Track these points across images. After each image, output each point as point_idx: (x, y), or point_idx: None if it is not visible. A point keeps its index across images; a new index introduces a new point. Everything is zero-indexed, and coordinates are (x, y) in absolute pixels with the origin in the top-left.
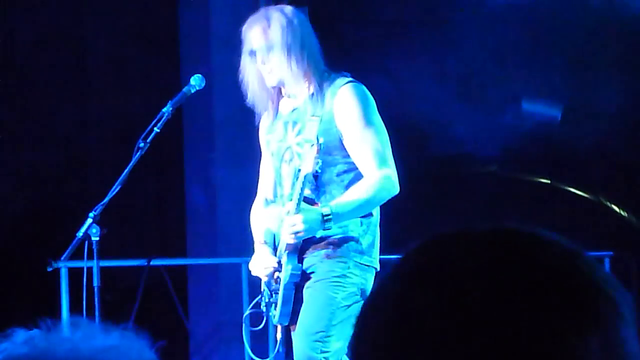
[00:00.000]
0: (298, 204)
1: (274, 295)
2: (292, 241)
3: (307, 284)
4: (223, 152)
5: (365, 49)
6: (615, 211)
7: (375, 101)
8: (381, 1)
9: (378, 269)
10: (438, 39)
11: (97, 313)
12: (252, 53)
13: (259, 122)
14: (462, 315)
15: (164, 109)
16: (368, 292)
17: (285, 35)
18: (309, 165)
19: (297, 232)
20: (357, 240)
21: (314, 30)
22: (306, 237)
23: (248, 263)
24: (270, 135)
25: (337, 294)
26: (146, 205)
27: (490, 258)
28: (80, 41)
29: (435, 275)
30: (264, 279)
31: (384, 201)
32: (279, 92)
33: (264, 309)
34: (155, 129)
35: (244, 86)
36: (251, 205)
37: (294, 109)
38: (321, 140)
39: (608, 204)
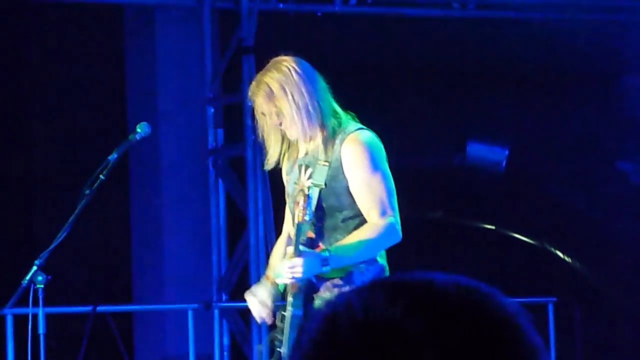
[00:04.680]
0: (295, 249)
1: (281, 333)
2: (289, 282)
3: None
4: (169, 199)
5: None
6: (560, 257)
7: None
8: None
9: None
10: (383, 82)
11: None
12: (264, 114)
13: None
14: None
15: (110, 156)
16: None
17: (291, 98)
18: (300, 214)
19: (295, 275)
20: None
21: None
22: (304, 278)
23: (194, 309)
24: (289, 177)
25: None
26: (92, 252)
27: (409, 308)
28: (26, 86)
29: (360, 321)
30: (256, 317)
31: (386, 247)
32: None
33: (277, 344)
34: (100, 176)
35: (263, 142)
36: (196, 251)
37: (306, 153)
38: (308, 192)
39: (552, 249)
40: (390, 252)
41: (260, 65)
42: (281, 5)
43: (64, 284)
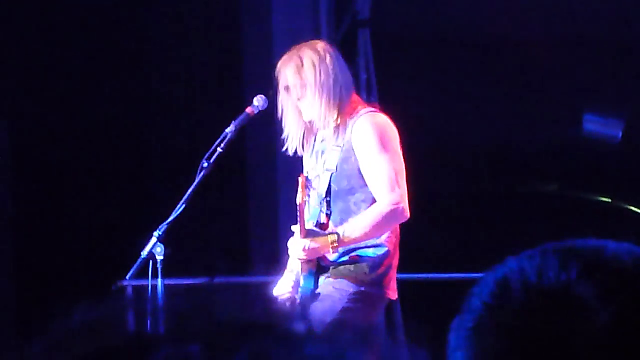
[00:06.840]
0: (302, 230)
1: None
2: (297, 262)
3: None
4: (285, 172)
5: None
6: None
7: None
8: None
9: (393, 298)
10: (486, 55)
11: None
12: (288, 89)
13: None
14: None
15: (227, 130)
16: (374, 324)
17: (318, 75)
18: (298, 196)
19: (300, 257)
20: (367, 272)
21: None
22: (312, 258)
23: None
24: (308, 165)
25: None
26: (210, 224)
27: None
28: (145, 59)
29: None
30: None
31: (392, 227)
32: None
33: None
34: (218, 149)
35: (282, 121)
36: None
37: (323, 140)
38: (306, 175)
39: None
40: (509, 225)
41: (375, 38)
42: None
43: (182, 255)
